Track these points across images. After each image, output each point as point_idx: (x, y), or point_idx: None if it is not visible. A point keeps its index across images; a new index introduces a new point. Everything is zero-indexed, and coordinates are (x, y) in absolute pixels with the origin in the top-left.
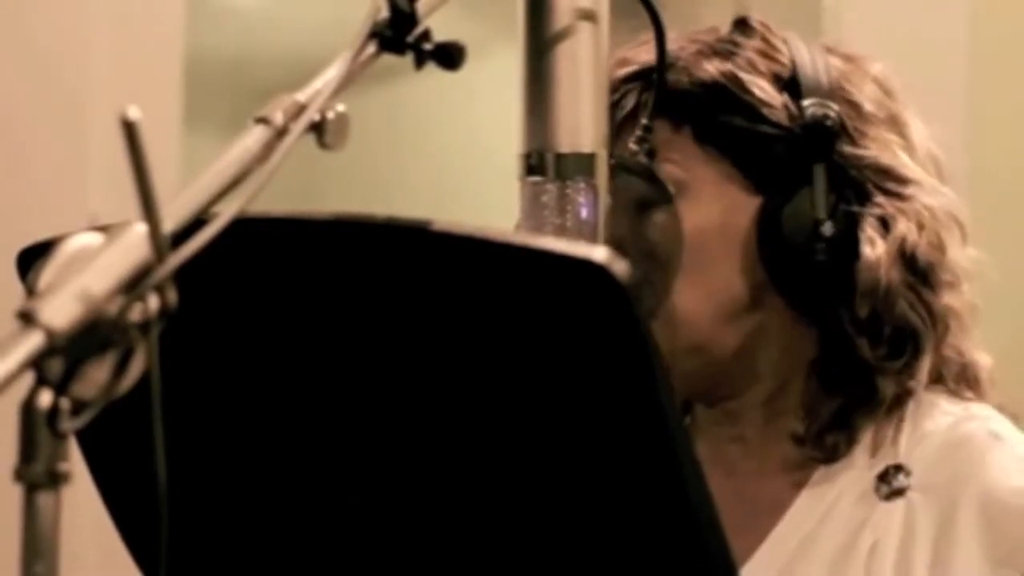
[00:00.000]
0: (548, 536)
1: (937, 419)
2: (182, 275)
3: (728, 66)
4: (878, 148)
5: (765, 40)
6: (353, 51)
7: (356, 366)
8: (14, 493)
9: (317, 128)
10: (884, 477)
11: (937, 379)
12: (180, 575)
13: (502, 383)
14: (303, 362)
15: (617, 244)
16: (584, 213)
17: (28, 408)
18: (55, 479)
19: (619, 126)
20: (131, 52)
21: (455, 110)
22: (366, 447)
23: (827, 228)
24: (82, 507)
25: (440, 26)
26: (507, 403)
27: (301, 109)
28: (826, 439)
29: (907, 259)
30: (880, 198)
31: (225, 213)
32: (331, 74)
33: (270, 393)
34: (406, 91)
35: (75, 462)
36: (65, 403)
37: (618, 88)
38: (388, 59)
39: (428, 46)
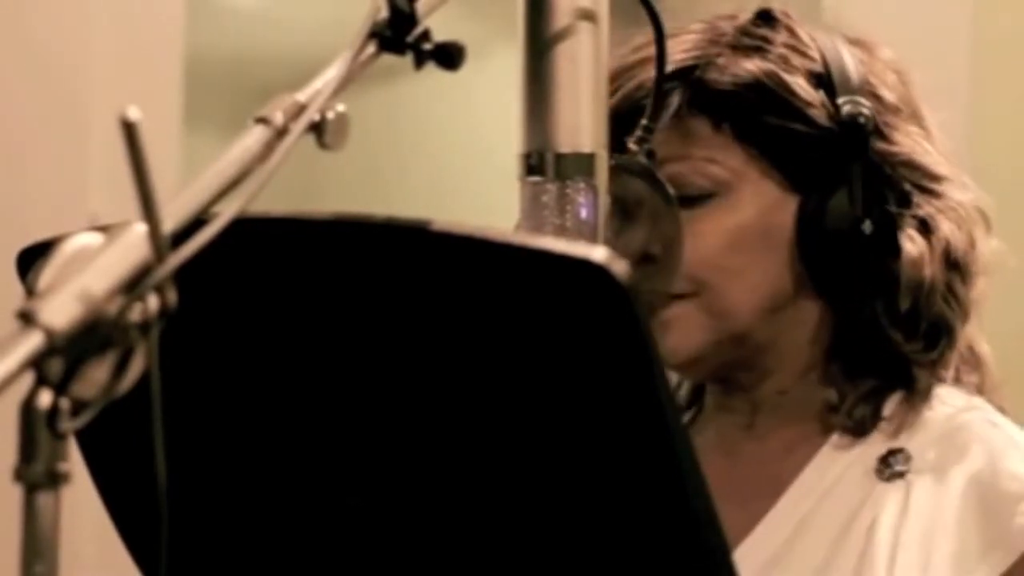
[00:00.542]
0: (548, 536)
1: (937, 408)
2: (182, 275)
3: (768, 65)
4: (908, 143)
5: (792, 33)
6: (353, 51)
7: (356, 366)
8: (14, 493)
9: (317, 128)
10: (885, 460)
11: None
12: (180, 575)
13: (502, 383)
14: (303, 362)
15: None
16: (584, 213)
17: (28, 408)
18: (55, 479)
19: (663, 125)
20: (131, 52)
21: (455, 110)
22: (366, 447)
23: (867, 226)
24: (82, 507)
25: (440, 26)
26: (507, 403)
27: (301, 109)
28: (855, 412)
29: (949, 258)
30: (917, 196)
31: (225, 213)
32: (331, 74)
33: (270, 393)
34: (406, 91)
35: (75, 462)
36: (65, 403)
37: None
38: (388, 59)
39: (428, 46)
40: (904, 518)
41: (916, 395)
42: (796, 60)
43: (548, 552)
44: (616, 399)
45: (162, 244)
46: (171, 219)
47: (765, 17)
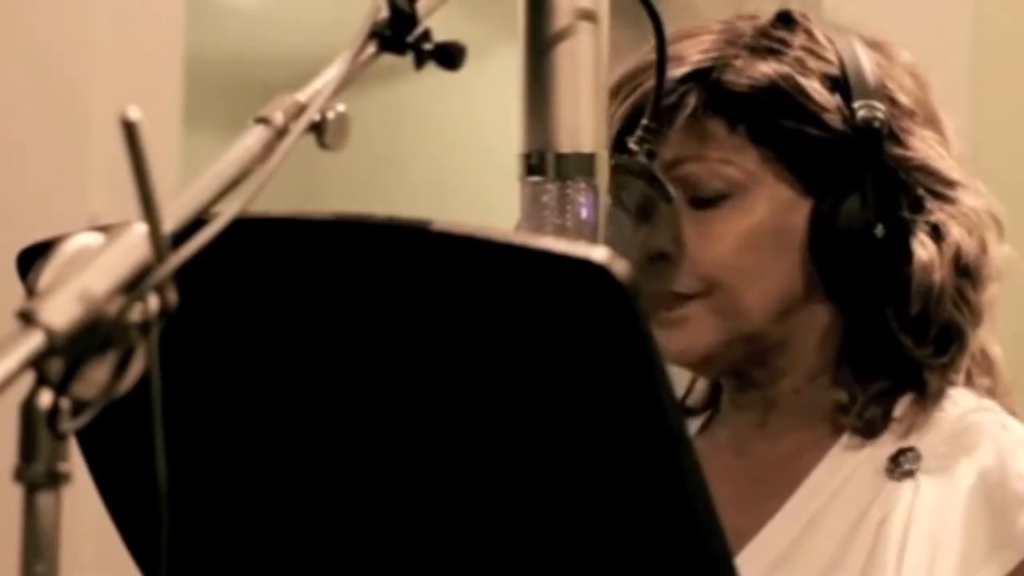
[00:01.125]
0: (548, 537)
1: (948, 408)
2: (182, 275)
3: (785, 68)
4: (923, 148)
5: (809, 35)
6: (353, 51)
7: (356, 366)
8: (14, 493)
9: (317, 128)
10: (896, 459)
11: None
12: (180, 575)
13: (502, 383)
14: (303, 362)
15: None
16: (584, 213)
17: (28, 408)
18: (55, 479)
19: (679, 125)
20: (131, 52)
21: (455, 110)
22: (366, 447)
23: (879, 230)
24: (82, 507)
25: (440, 26)
26: (507, 403)
27: (301, 109)
28: (866, 413)
29: (959, 264)
30: (930, 201)
31: (225, 213)
32: (331, 74)
33: (270, 393)
34: (406, 91)
35: (75, 462)
36: (65, 403)
37: (674, 88)
38: (388, 59)
39: (428, 46)
40: (913, 516)
41: (927, 398)
42: (813, 63)
43: (548, 553)
44: (616, 399)
45: (162, 244)
46: (171, 219)
47: (784, 19)
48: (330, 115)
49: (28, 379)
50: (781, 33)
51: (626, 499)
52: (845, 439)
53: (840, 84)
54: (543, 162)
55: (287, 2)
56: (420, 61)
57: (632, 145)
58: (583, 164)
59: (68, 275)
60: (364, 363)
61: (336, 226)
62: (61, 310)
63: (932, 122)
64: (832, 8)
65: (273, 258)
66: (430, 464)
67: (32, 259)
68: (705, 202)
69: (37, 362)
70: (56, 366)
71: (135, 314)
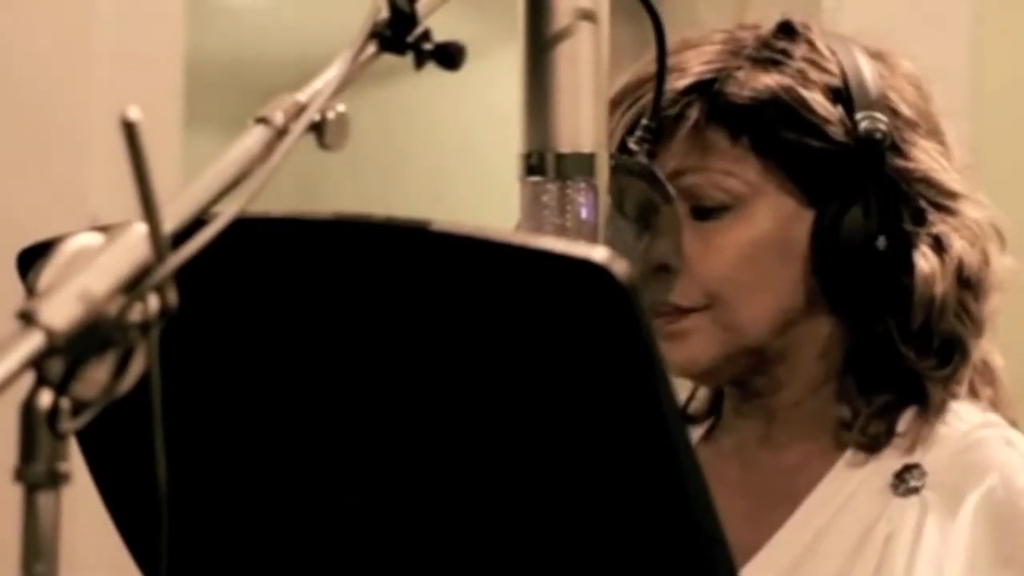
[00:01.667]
0: (548, 540)
1: (953, 424)
2: (182, 275)
3: (787, 80)
4: (925, 160)
5: (811, 46)
6: (353, 51)
7: (356, 366)
8: (14, 493)
9: (317, 128)
10: (901, 475)
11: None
12: (180, 575)
13: (502, 383)
14: (303, 362)
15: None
16: (584, 213)
17: (28, 408)
18: (55, 479)
19: (681, 136)
20: (131, 52)
21: (455, 110)
22: (366, 447)
23: (881, 242)
24: (82, 507)
25: (440, 26)
26: (507, 404)
27: (301, 109)
28: (869, 428)
29: (961, 276)
30: (932, 214)
31: (225, 213)
32: (331, 74)
33: (270, 393)
34: (406, 91)
35: (75, 462)
36: (65, 403)
37: (677, 100)
38: (388, 59)
39: (428, 46)
40: (919, 534)
41: (930, 410)
42: (815, 74)
43: (549, 556)
44: (616, 399)
45: (162, 244)
46: (171, 219)
47: (785, 29)
48: (330, 115)
49: (28, 379)
50: (783, 44)
51: (625, 497)
52: (849, 455)
53: (842, 95)
54: (543, 162)
55: (287, 2)
56: (420, 61)
57: (632, 145)
58: (583, 164)
59: (68, 275)
60: (364, 363)
61: (336, 226)
62: (61, 310)
63: (934, 132)
64: (831, 12)
65: (273, 258)
66: (430, 465)
67: (32, 259)
68: (707, 213)
69: (37, 362)
70: (56, 366)
71: (135, 314)
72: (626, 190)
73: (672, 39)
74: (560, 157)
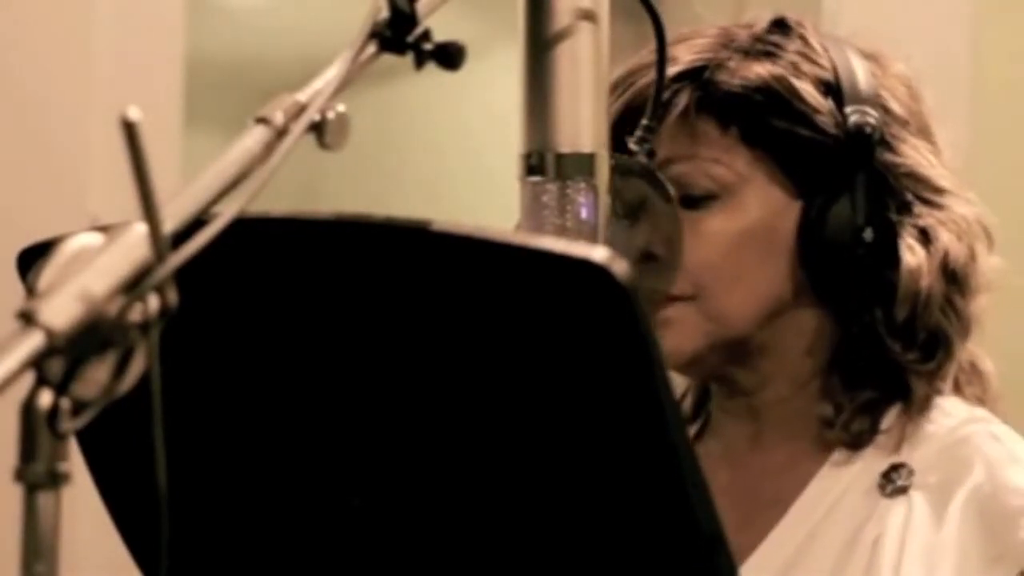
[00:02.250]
0: (549, 540)
1: (939, 421)
2: (182, 275)
3: (778, 69)
4: (914, 156)
5: (804, 41)
6: (353, 51)
7: (356, 366)
8: (14, 493)
9: (317, 128)
10: (888, 475)
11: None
12: (180, 575)
13: (502, 383)
14: (304, 362)
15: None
16: (584, 213)
17: (28, 408)
18: (55, 479)
19: (671, 124)
20: (131, 52)
21: (455, 110)
22: (367, 447)
23: (868, 234)
24: (82, 507)
25: (440, 26)
26: (508, 404)
27: (301, 109)
28: (852, 426)
29: (947, 269)
30: (919, 207)
31: (225, 213)
32: (331, 74)
33: (271, 393)
34: (406, 91)
35: (75, 462)
36: (65, 403)
37: (667, 87)
38: (388, 59)
39: (428, 46)
40: (907, 534)
41: (913, 406)
42: (806, 67)
43: (549, 557)
44: (616, 399)
45: (162, 244)
46: (171, 219)
47: (779, 24)
48: (330, 115)
49: (28, 379)
50: (776, 38)
51: (625, 497)
52: (835, 455)
53: (833, 89)
54: (543, 162)
55: (287, 2)
56: (420, 61)
57: (632, 145)
58: (583, 164)
59: (68, 275)
60: (364, 363)
61: (336, 226)
62: (61, 310)
63: (924, 132)
64: (831, 11)
65: (273, 258)
66: (431, 465)
67: (32, 259)
68: (695, 202)
69: (37, 362)
70: (56, 366)
71: (135, 314)
72: (626, 189)
73: (670, 35)
74: (560, 157)
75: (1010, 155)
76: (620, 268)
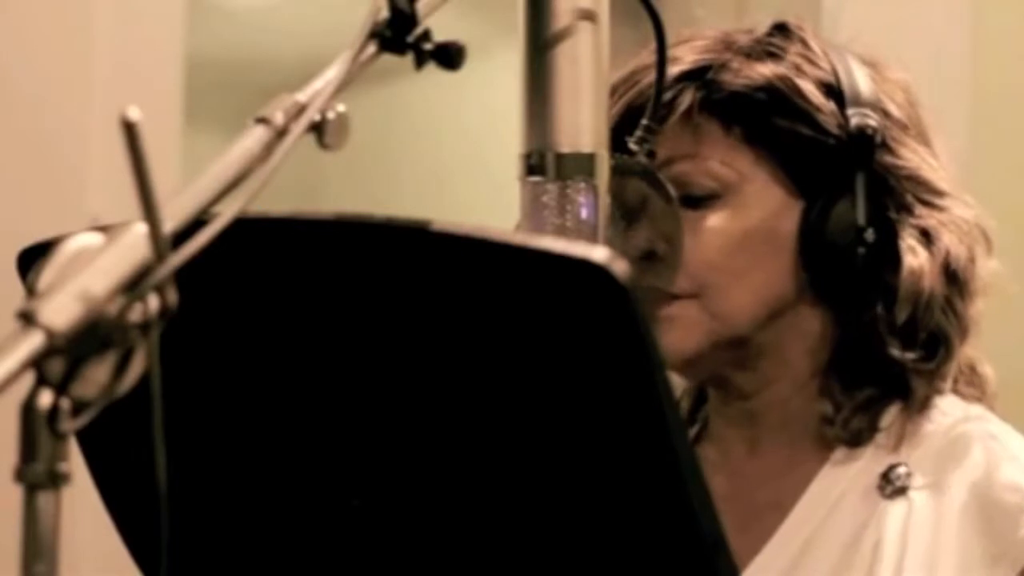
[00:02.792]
0: (549, 540)
1: (936, 420)
2: (182, 275)
3: (781, 69)
4: (914, 159)
5: (805, 44)
6: (353, 51)
7: (356, 367)
8: (14, 493)
9: (317, 128)
10: (887, 476)
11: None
12: (180, 575)
13: (502, 384)
14: (304, 363)
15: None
16: (584, 213)
17: (28, 408)
18: (55, 479)
19: (673, 124)
20: (131, 52)
21: (455, 110)
22: (367, 448)
23: (869, 235)
24: (82, 507)
25: (440, 26)
26: (507, 404)
27: (301, 109)
28: (851, 423)
29: (948, 270)
30: (919, 208)
31: (225, 213)
32: (331, 74)
33: (271, 394)
34: (406, 91)
35: (75, 462)
36: (65, 403)
37: (669, 87)
38: (388, 59)
39: (428, 46)
40: (908, 535)
41: (913, 405)
42: (808, 68)
43: (549, 557)
44: (616, 399)
45: (162, 244)
46: (171, 219)
47: (780, 28)
48: (330, 115)
49: (28, 379)
50: (777, 41)
51: (626, 501)
52: (835, 455)
53: (835, 91)
54: (543, 162)
55: (287, 2)
56: (420, 61)
57: (632, 145)
58: (583, 164)
59: (68, 275)
60: (364, 363)
61: (336, 226)
62: (61, 310)
63: (923, 137)
64: (831, 12)
65: (273, 258)
66: (431, 465)
67: (32, 259)
68: (697, 201)
69: (37, 362)
70: (56, 366)
71: (135, 314)
72: (626, 190)
73: (670, 38)
74: (560, 157)
75: (1010, 157)
76: (620, 268)
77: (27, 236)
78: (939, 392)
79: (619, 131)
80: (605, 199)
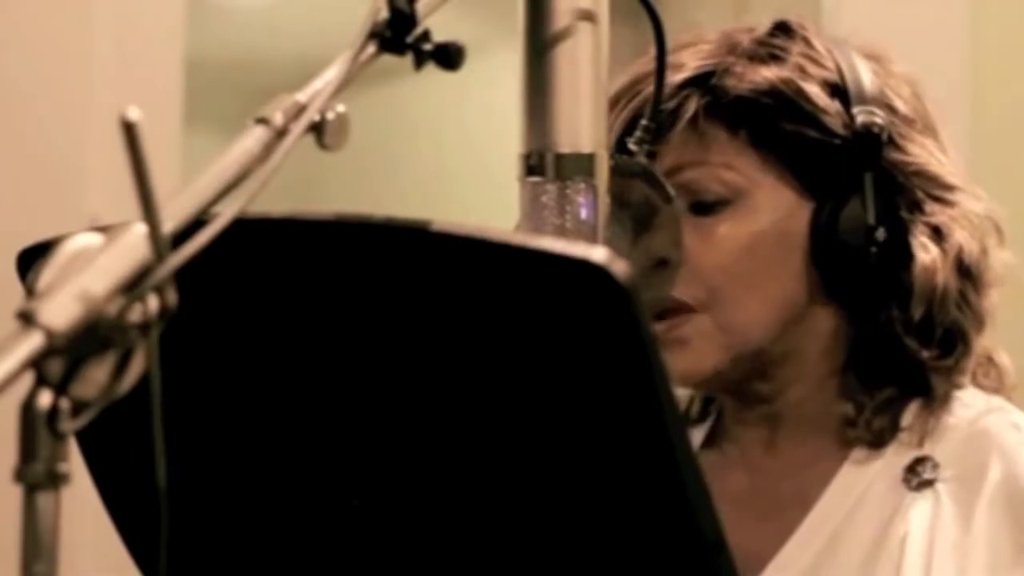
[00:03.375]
0: (549, 541)
1: (958, 413)
2: (182, 275)
3: (785, 72)
4: (922, 154)
5: (808, 43)
6: (353, 51)
7: (356, 367)
8: (14, 493)
9: (317, 128)
10: (913, 468)
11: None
12: (179, 575)
13: (502, 384)
14: (304, 363)
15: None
16: (584, 213)
17: (28, 408)
18: (55, 479)
19: (679, 131)
20: (131, 52)
21: (454, 111)
22: (367, 448)
23: (880, 233)
24: (82, 507)
25: (440, 26)
26: (507, 404)
27: (301, 109)
28: (874, 424)
29: (961, 265)
30: (930, 205)
31: (225, 213)
32: (331, 74)
33: (271, 394)
34: (405, 91)
35: (75, 462)
36: (65, 403)
37: (674, 94)
38: (388, 59)
39: (428, 46)
40: (936, 527)
41: (934, 402)
42: (812, 69)
43: (549, 558)
44: (616, 400)
45: (162, 244)
46: (171, 219)
47: (782, 28)
48: (330, 115)
49: (28, 379)
50: (779, 41)
51: (625, 502)
52: (855, 453)
53: (839, 90)
54: (543, 162)
55: (287, 2)
56: (420, 61)
57: (631, 146)
58: (583, 164)
59: (68, 275)
60: (364, 364)
61: (336, 226)
62: (61, 310)
63: (930, 130)
64: (831, 11)
65: (273, 258)
66: (430, 465)
67: (32, 259)
68: (706, 208)
69: (37, 362)
70: (56, 366)
71: (135, 314)
72: (626, 191)
73: (671, 40)
74: (560, 157)
75: (1009, 157)
76: (619, 268)
77: (27, 236)
78: (959, 387)
79: (625, 139)
80: (605, 199)
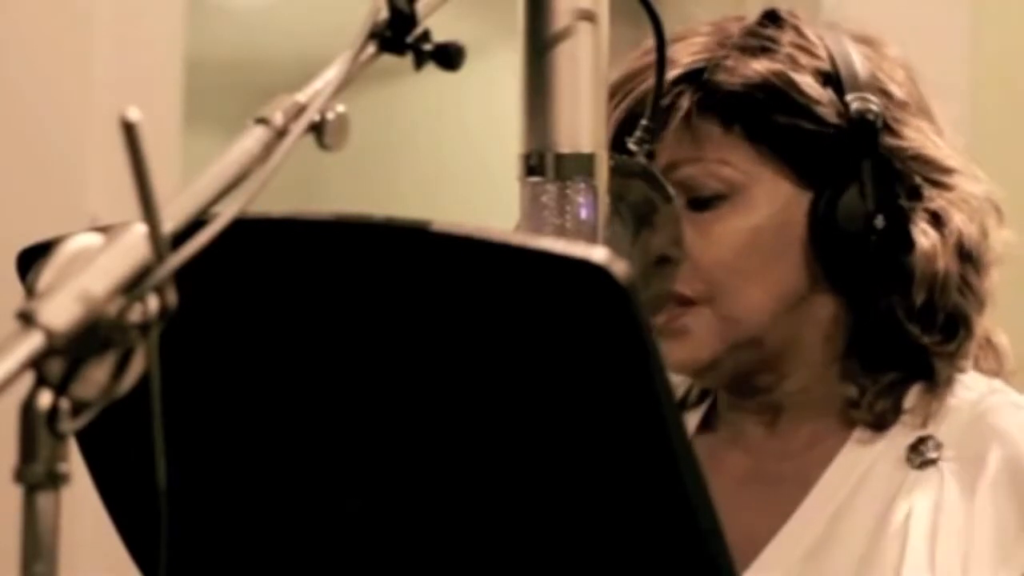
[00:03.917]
0: (547, 539)
1: (960, 395)
2: (182, 276)
3: (776, 65)
4: (918, 138)
5: (799, 32)
6: (353, 51)
7: (355, 367)
8: (14, 493)
9: (317, 128)
10: (915, 448)
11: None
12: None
13: (501, 384)
14: (303, 363)
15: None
16: (584, 213)
17: (28, 408)
18: (55, 479)
19: (674, 128)
20: (131, 52)
21: (454, 111)
22: (365, 449)
23: (879, 221)
24: (82, 507)
25: (440, 26)
26: (506, 404)
27: (301, 109)
28: (876, 406)
29: (961, 250)
30: (928, 189)
31: (225, 213)
32: (331, 74)
33: (270, 395)
34: (405, 91)
35: (75, 462)
36: (65, 403)
37: (667, 91)
38: (388, 59)
39: (427, 47)
40: (940, 506)
41: (937, 385)
42: (803, 59)
43: (548, 557)
44: (615, 399)
45: (162, 244)
46: (171, 219)
47: (771, 17)
48: (330, 115)
49: (28, 379)
50: (770, 31)
51: (624, 499)
52: (858, 433)
53: (832, 78)
54: (542, 162)
55: (287, 2)
56: (419, 62)
57: (631, 146)
58: (583, 164)
59: (68, 275)
60: (363, 364)
61: (336, 226)
62: (61, 310)
63: (925, 113)
64: (831, 9)
65: (273, 258)
66: (429, 466)
67: (32, 259)
68: (704, 204)
69: (37, 362)
70: (56, 366)
71: (135, 314)
72: (625, 191)
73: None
74: (560, 157)
75: (1009, 155)
76: (619, 268)
77: (27, 236)
78: (962, 370)
79: (621, 137)
80: (604, 199)
